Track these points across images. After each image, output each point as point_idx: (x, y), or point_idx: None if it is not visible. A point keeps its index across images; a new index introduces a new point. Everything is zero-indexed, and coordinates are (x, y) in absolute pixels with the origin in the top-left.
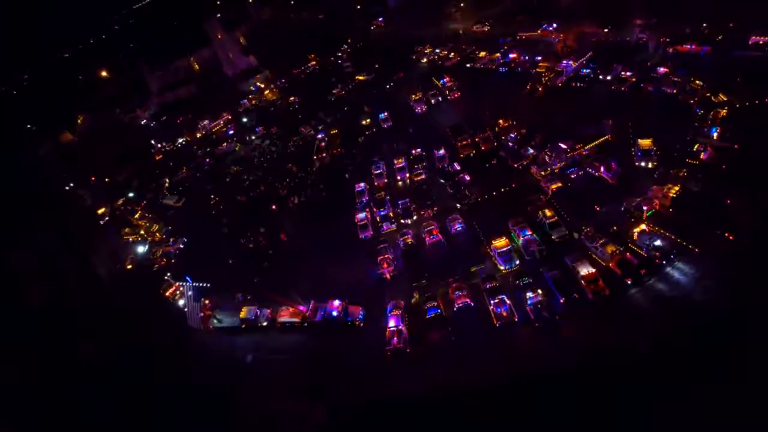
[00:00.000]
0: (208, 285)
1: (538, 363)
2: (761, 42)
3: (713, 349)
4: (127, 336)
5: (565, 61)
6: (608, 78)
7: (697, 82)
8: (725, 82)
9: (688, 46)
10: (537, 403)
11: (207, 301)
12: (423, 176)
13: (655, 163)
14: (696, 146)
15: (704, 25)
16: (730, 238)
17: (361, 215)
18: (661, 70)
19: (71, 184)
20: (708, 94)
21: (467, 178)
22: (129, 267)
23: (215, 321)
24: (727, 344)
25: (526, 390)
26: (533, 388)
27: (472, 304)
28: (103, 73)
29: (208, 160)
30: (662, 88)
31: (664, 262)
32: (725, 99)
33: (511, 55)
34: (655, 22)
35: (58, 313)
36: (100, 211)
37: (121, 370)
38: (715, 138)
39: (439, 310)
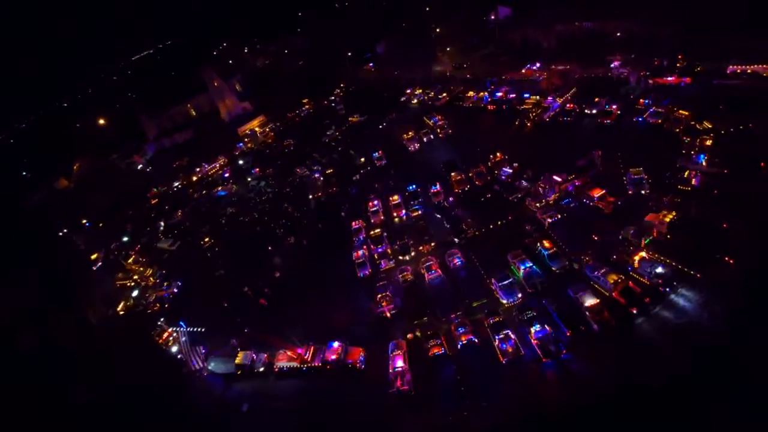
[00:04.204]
0: (203, 330)
1: (548, 401)
2: (739, 70)
3: (724, 379)
4: (118, 383)
5: (550, 97)
6: (593, 111)
7: (681, 111)
8: (708, 110)
9: (669, 78)
10: None
11: (201, 348)
12: (419, 212)
13: (647, 192)
14: (686, 173)
15: (680, 57)
16: (730, 261)
17: (359, 253)
18: (644, 101)
19: (65, 230)
20: (693, 123)
21: (463, 212)
22: (121, 312)
23: (209, 368)
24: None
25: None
26: (544, 429)
27: (476, 340)
28: (101, 121)
29: (204, 202)
30: (647, 119)
31: (667, 289)
32: (710, 126)
33: (498, 94)
34: (633, 58)
35: (49, 359)
36: (93, 256)
37: (115, 419)
38: (704, 164)
39: (442, 349)
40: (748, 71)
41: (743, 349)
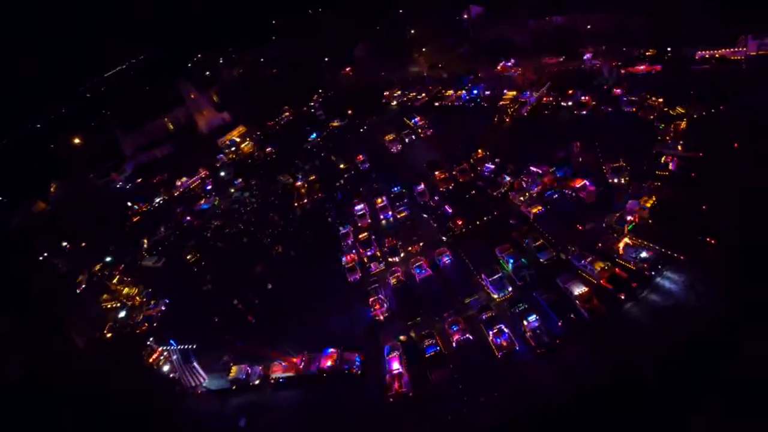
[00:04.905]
0: (194, 346)
1: (545, 392)
2: (707, 55)
3: (714, 359)
4: (110, 407)
5: (527, 92)
6: (569, 103)
7: (654, 98)
8: (680, 96)
9: (640, 67)
10: None
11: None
12: (405, 213)
13: (627, 179)
14: (663, 158)
15: (648, 47)
16: (712, 242)
17: (348, 258)
18: (617, 91)
19: (45, 254)
20: (666, 109)
21: (449, 210)
22: (108, 334)
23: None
24: (725, 352)
25: (536, 424)
26: (543, 421)
27: (471, 337)
28: (76, 141)
29: (188, 217)
30: (622, 108)
31: (653, 273)
32: (683, 111)
33: (476, 92)
34: (604, 49)
35: (35, 387)
36: (77, 280)
37: None
38: (679, 149)
39: (437, 348)
40: (716, 56)
41: (731, 326)
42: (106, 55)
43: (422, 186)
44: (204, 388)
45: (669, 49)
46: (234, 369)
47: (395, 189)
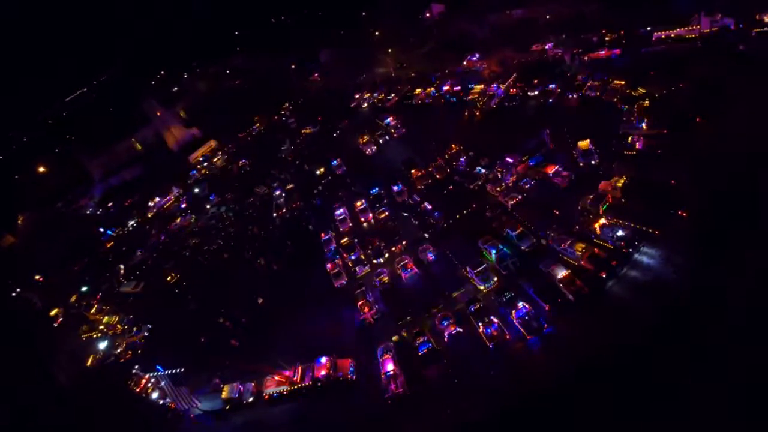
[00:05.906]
0: (182, 370)
1: (539, 378)
2: (663, 36)
3: (697, 328)
4: None
5: (494, 85)
6: (536, 93)
7: (616, 82)
8: (641, 77)
9: (601, 52)
10: (547, 421)
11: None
12: (386, 213)
13: (597, 161)
14: (629, 138)
15: (604, 31)
16: (683, 215)
17: (333, 264)
18: (581, 77)
19: (17, 290)
20: (628, 91)
21: (429, 206)
22: (92, 366)
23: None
24: (708, 319)
25: (534, 411)
26: (540, 407)
27: (461, 330)
28: (41, 169)
29: (163, 237)
30: (586, 93)
31: (630, 249)
32: (644, 92)
33: (444, 88)
34: (564, 38)
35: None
36: (52, 313)
37: None
38: (644, 128)
39: (430, 344)
40: (672, 35)
41: (709, 294)
42: (66, 78)
43: (400, 185)
44: (199, 411)
45: (625, 32)
46: (226, 388)
47: (374, 191)
